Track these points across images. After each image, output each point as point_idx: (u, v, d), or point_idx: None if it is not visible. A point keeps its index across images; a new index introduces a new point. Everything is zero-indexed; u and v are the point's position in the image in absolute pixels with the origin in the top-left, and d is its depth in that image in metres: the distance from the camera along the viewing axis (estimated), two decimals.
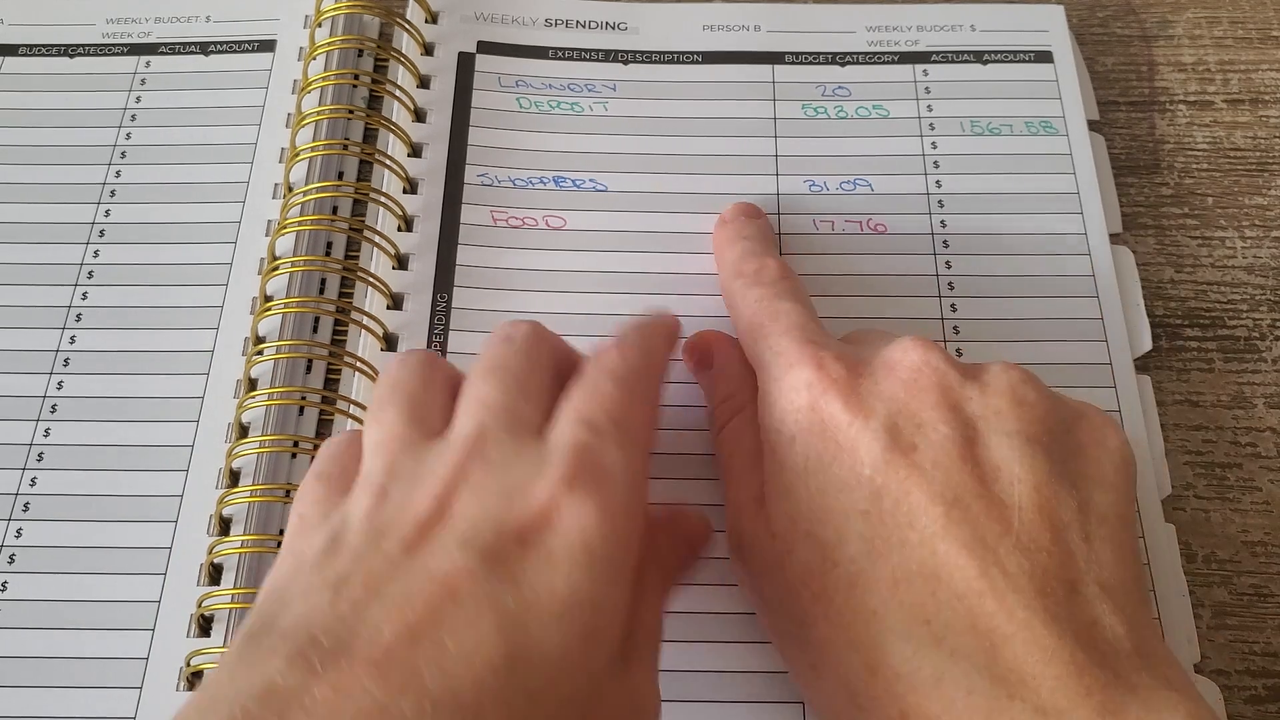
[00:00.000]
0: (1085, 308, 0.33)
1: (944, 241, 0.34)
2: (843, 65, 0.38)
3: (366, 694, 0.18)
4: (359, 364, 0.31)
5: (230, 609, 0.29)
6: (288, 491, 0.30)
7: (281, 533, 0.30)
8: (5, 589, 0.29)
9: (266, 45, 0.38)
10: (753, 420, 0.28)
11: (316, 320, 0.33)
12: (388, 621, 0.19)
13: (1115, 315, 0.33)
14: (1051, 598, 0.22)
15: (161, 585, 0.29)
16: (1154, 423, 0.32)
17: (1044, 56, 0.38)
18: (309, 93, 0.35)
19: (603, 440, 0.22)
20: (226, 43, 0.38)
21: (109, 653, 0.28)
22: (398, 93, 0.36)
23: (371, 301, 0.33)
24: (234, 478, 0.31)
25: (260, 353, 0.32)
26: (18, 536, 0.30)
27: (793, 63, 0.38)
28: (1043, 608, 0.21)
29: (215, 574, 0.30)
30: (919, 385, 0.25)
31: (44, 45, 0.38)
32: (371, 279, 0.33)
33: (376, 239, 0.33)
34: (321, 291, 0.34)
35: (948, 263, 0.34)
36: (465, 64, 0.38)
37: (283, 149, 0.36)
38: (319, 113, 0.35)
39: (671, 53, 0.38)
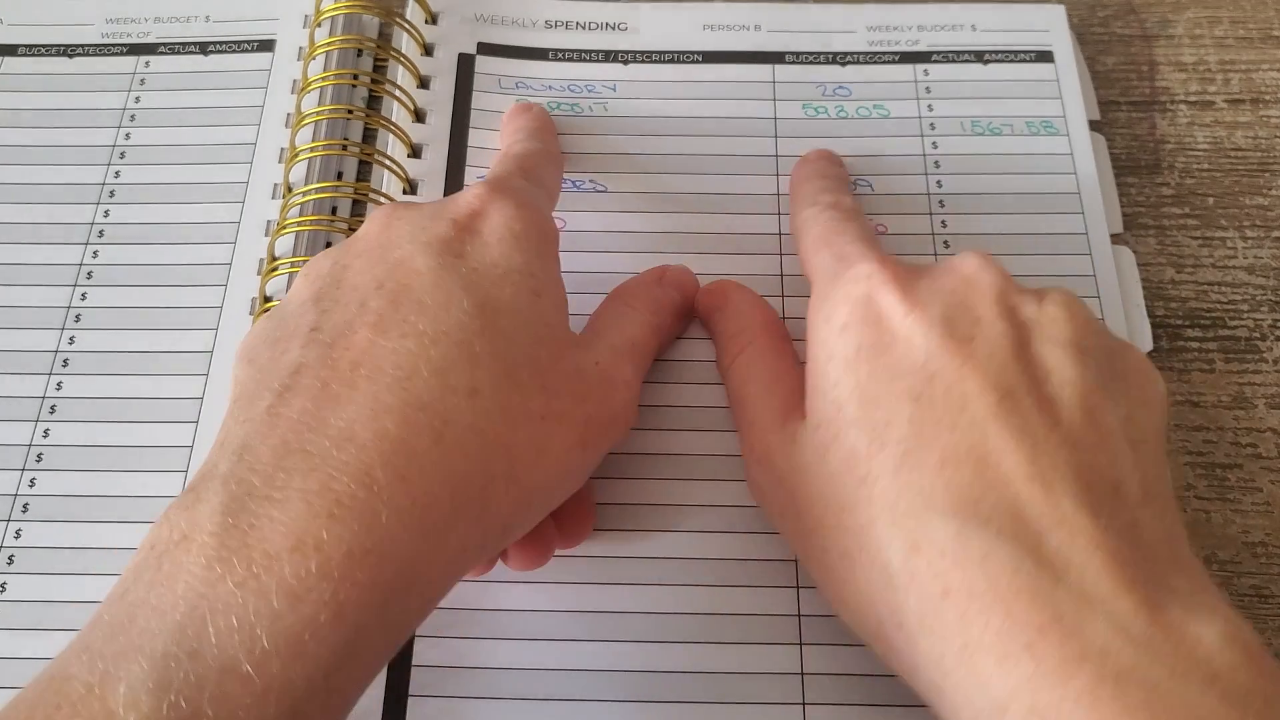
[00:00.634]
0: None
1: (944, 242, 0.34)
2: (843, 65, 0.38)
3: (375, 344, 0.23)
4: None
5: None
6: None
7: None
8: (5, 590, 0.29)
9: (266, 45, 0.38)
10: (765, 351, 0.30)
11: None
12: (370, 301, 0.24)
13: (1116, 315, 0.33)
14: (1096, 494, 0.22)
15: None
16: None
17: (1045, 56, 0.38)
18: (308, 93, 0.35)
19: (511, 176, 0.29)
20: (226, 42, 0.38)
21: None
22: (397, 93, 0.36)
23: None
24: None
25: None
26: (17, 537, 0.30)
27: (793, 62, 0.38)
28: (1087, 502, 0.22)
29: None
30: (977, 286, 0.25)
31: (44, 45, 0.38)
32: None
33: None
34: None
35: None
36: (465, 65, 0.37)
37: (282, 149, 0.36)
38: (318, 113, 0.35)
39: (671, 53, 0.38)
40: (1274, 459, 0.32)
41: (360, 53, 0.38)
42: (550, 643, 0.29)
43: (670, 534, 0.30)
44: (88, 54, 0.38)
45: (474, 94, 0.37)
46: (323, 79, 0.36)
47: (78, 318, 0.33)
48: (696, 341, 0.33)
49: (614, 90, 0.37)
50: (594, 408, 0.26)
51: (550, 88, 0.37)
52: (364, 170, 0.36)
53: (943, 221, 0.35)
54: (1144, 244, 0.35)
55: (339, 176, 0.36)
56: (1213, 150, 0.37)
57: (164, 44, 0.38)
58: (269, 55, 0.38)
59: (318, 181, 0.34)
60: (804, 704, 0.28)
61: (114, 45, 0.38)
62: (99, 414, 0.32)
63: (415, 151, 0.36)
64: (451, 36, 0.38)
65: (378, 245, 0.26)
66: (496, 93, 0.37)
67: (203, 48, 0.38)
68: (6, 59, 0.38)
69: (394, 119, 0.35)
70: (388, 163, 0.34)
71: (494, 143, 0.36)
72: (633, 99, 0.37)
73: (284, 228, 0.33)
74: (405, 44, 0.37)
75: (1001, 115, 0.37)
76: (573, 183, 0.35)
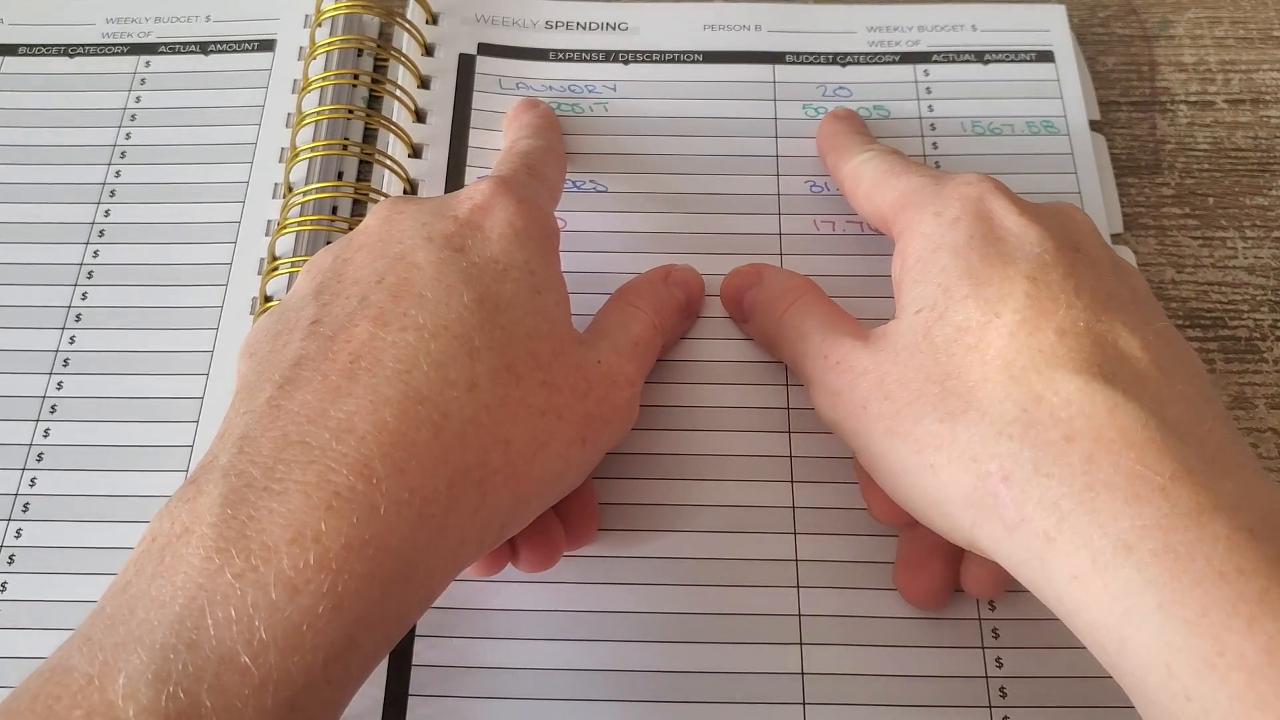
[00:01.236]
0: None
1: None
2: (843, 65, 0.38)
3: (375, 337, 0.23)
4: None
5: None
6: None
7: None
8: (5, 589, 0.29)
9: (266, 45, 0.38)
10: (817, 300, 0.30)
11: None
12: (371, 294, 0.24)
13: None
14: (1197, 388, 0.24)
15: None
16: None
17: (1045, 56, 0.38)
18: (309, 92, 0.35)
19: (516, 173, 0.30)
20: (226, 42, 0.38)
21: None
22: (398, 93, 0.36)
23: None
24: None
25: None
26: (17, 537, 0.30)
27: (793, 63, 0.38)
28: (1194, 391, 0.23)
29: None
30: (1075, 218, 0.27)
31: (44, 45, 0.38)
32: None
33: None
34: None
35: None
36: (466, 65, 0.37)
37: (283, 149, 0.36)
38: (319, 113, 0.35)
39: (672, 53, 0.38)
40: (1274, 459, 0.32)
41: (361, 53, 0.38)
42: (550, 642, 0.29)
43: (671, 534, 0.30)
44: (88, 54, 0.38)
45: (474, 94, 0.37)
46: (323, 79, 0.36)
47: (78, 317, 0.33)
48: (699, 341, 0.33)
49: (614, 90, 0.37)
50: (595, 405, 0.26)
51: (551, 88, 0.37)
52: (364, 170, 0.36)
53: None
54: (1144, 244, 0.35)
55: (339, 176, 0.36)
56: (1213, 150, 0.37)
57: (164, 44, 0.38)
58: (269, 55, 0.38)
59: (318, 181, 0.34)
60: (804, 704, 0.28)
61: (114, 45, 0.38)
62: (99, 414, 0.32)
63: (416, 151, 0.36)
64: (452, 37, 0.38)
65: (379, 239, 0.26)
66: (497, 93, 0.37)
67: (203, 47, 0.38)
68: (7, 59, 0.38)
69: (394, 119, 0.35)
70: (388, 163, 0.34)
71: (494, 143, 0.36)
72: (633, 99, 0.37)
73: (284, 227, 0.33)
74: (406, 44, 0.37)
75: (1002, 115, 0.37)
76: (573, 183, 0.35)
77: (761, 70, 0.37)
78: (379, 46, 0.37)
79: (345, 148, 0.35)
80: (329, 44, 0.36)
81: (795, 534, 0.30)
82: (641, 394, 0.29)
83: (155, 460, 0.31)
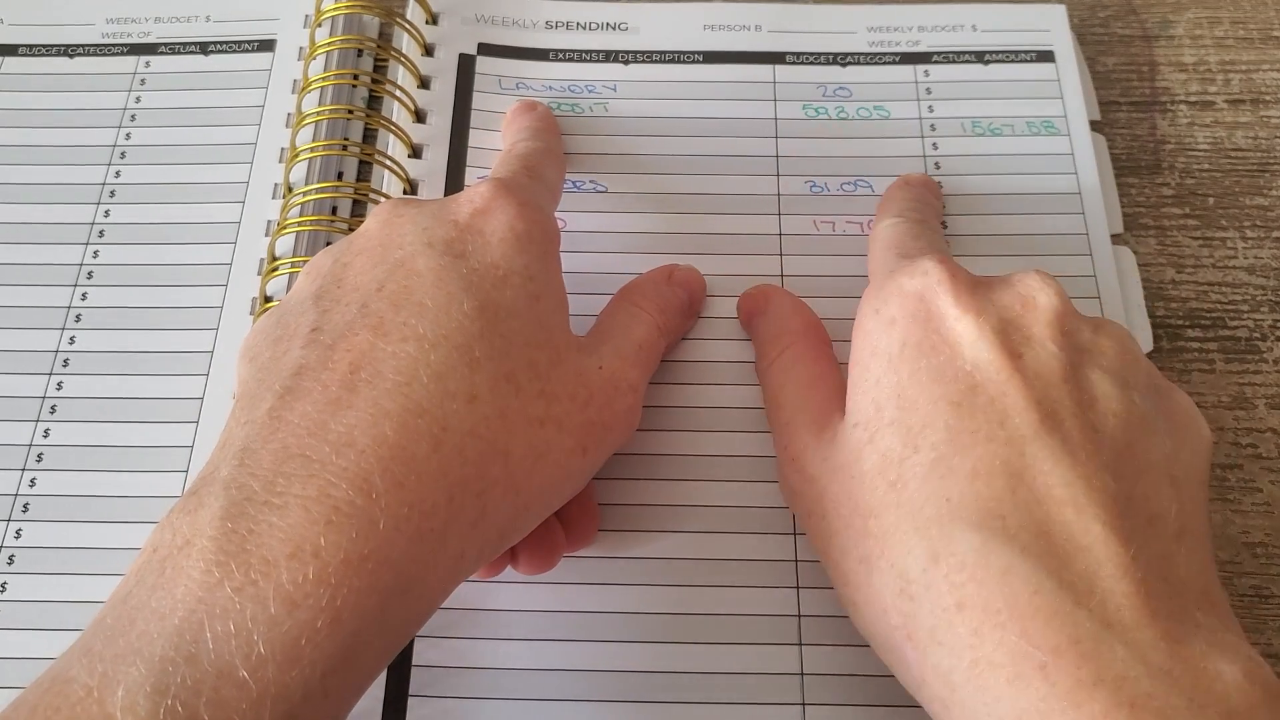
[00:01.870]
0: (1087, 308, 0.33)
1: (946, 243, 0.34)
2: (844, 66, 0.38)
3: (375, 347, 0.23)
4: None
5: None
6: None
7: None
8: (5, 590, 0.29)
9: (266, 45, 0.38)
10: (804, 354, 0.30)
11: None
12: (371, 302, 0.24)
13: (1116, 316, 0.33)
14: (1130, 523, 0.22)
15: None
16: None
17: (1045, 56, 0.38)
18: (309, 93, 0.35)
19: (515, 176, 0.29)
20: (226, 42, 0.38)
21: None
22: (398, 93, 0.36)
23: None
24: None
25: None
26: (17, 537, 0.30)
27: (793, 63, 0.38)
28: (1120, 529, 0.22)
29: None
30: (1035, 304, 0.25)
31: (44, 45, 0.38)
32: None
33: None
34: None
35: None
36: (466, 66, 0.37)
37: (283, 149, 0.36)
38: (319, 113, 0.35)
39: (672, 53, 0.38)
40: (1274, 459, 0.32)
41: (361, 53, 0.38)
42: (550, 643, 0.29)
43: (670, 534, 0.30)
44: (88, 54, 0.38)
45: (474, 94, 0.37)
46: (323, 79, 0.36)
47: (78, 318, 0.33)
48: (700, 342, 0.33)
49: (614, 90, 0.37)
50: (595, 412, 0.26)
51: (551, 88, 0.37)
52: (364, 170, 0.36)
53: (944, 222, 0.35)
54: (1144, 244, 0.35)
55: (339, 176, 0.36)
56: (1213, 150, 0.37)
57: (164, 44, 0.38)
58: (269, 55, 0.38)
59: (318, 181, 0.34)
60: (804, 704, 0.28)
61: (114, 45, 0.38)
62: (99, 414, 0.32)
63: (416, 151, 0.36)
64: (452, 37, 0.38)
65: (379, 244, 0.26)
66: (497, 93, 0.37)
67: (203, 48, 0.38)
68: (7, 59, 0.38)
69: (394, 119, 0.35)
70: (388, 163, 0.34)
71: (494, 143, 0.36)
72: (633, 99, 0.37)
73: (284, 228, 0.33)
74: (406, 44, 0.37)
75: (1002, 116, 0.37)
76: (573, 183, 0.35)
77: (761, 70, 0.37)
78: (379, 47, 0.37)
79: (345, 148, 0.35)
80: (329, 44, 0.36)
81: (795, 534, 0.30)
82: (644, 398, 0.28)
83: (155, 460, 0.31)
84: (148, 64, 0.38)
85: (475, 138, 0.36)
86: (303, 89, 0.35)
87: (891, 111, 0.37)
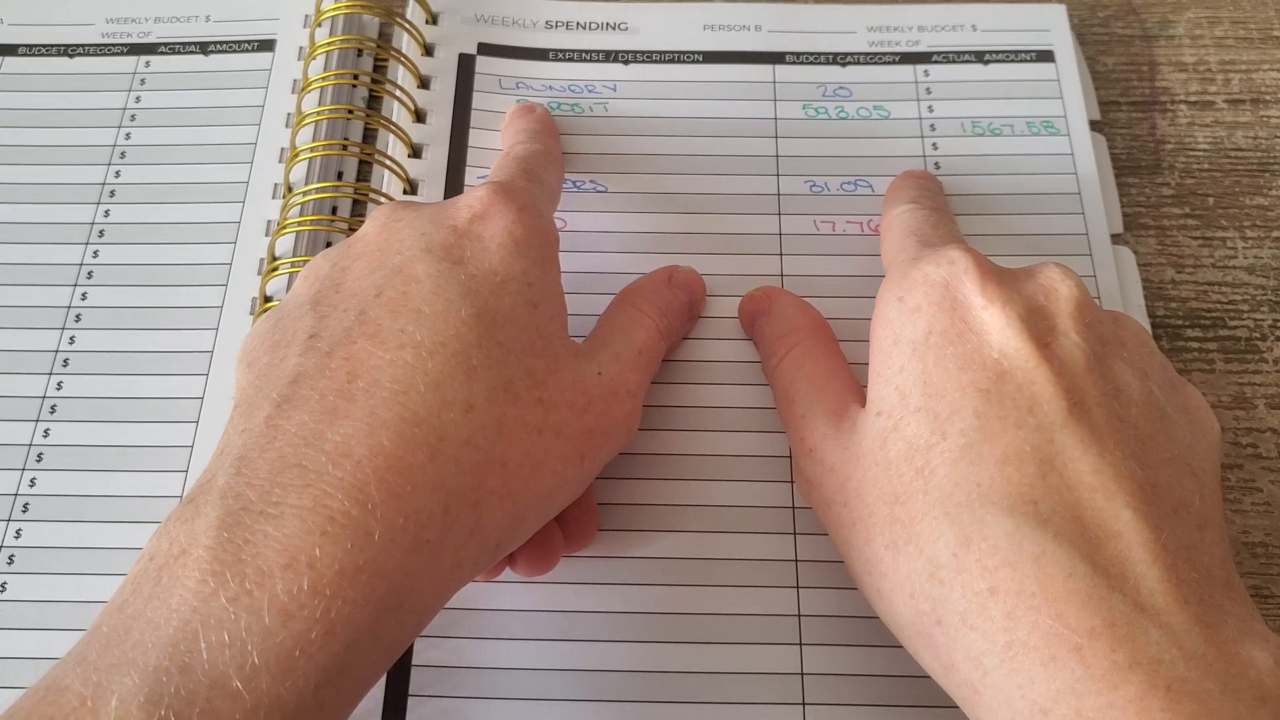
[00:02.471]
0: None
1: None
2: (843, 65, 0.38)
3: (372, 355, 0.23)
4: None
5: None
6: None
7: None
8: (5, 590, 0.29)
9: (266, 45, 0.38)
10: (811, 351, 0.29)
11: None
12: (369, 309, 0.24)
13: None
14: (1158, 509, 0.22)
15: None
16: None
17: (1045, 56, 0.38)
18: (309, 92, 0.35)
19: (514, 179, 0.29)
20: (226, 42, 0.38)
21: None
22: (398, 93, 0.36)
23: None
24: None
25: None
26: (17, 537, 0.30)
27: (793, 63, 0.38)
28: (1149, 515, 0.22)
29: None
30: (1058, 295, 0.25)
31: (44, 45, 0.38)
32: None
33: None
34: None
35: None
36: (466, 65, 0.37)
37: (282, 149, 0.36)
38: (319, 113, 0.35)
39: (672, 53, 0.38)
40: (1274, 459, 0.32)
41: (360, 53, 0.38)
42: (550, 643, 0.29)
43: (670, 534, 0.30)
44: (88, 54, 0.38)
45: (474, 94, 0.37)
46: (323, 79, 0.36)
47: (78, 318, 0.33)
48: (700, 342, 0.33)
49: (614, 90, 0.37)
50: (594, 419, 0.26)
51: (550, 88, 0.37)
52: (364, 170, 0.36)
53: None
54: (1144, 244, 0.35)
55: (339, 176, 0.36)
56: (1213, 150, 0.37)
57: (164, 44, 0.38)
58: (269, 55, 0.38)
59: (318, 181, 0.34)
60: (804, 704, 0.28)
61: (114, 45, 0.38)
62: (99, 414, 0.32)
63: (415, 151, 0.36)
64: (452, 37, 0.38)
65: (377, 248, 0.26)
66: (497, 93, 0.37)
67: (203, 47, 0.38)
68: (6, 59, 0.38)
69: (394, 119, 0.35)
70: (388, 163, 0.34)
71: (494, 143, 0.36)
72: (633, 99, 0.37)
73: (284, 228, 0.33)
74: (406, 44, 0.37)
75: (1002, 115, 0.37)
76: (573, 183, 0.35)
77: (761, 70, 0.37)
78: (379, 46, 0.37)
79: (345, 148, 0.35)
80: (329, 44, 0.36)
81: (795, 534, 0.30)
82: (643, 402, 0.28)
83: (155, 460, 0.31)
84: (148, 64, 0.38)
85: (475, 138, 0.36)
86: (303, 89, 0.35)
87: (891, 111, 0.37)
